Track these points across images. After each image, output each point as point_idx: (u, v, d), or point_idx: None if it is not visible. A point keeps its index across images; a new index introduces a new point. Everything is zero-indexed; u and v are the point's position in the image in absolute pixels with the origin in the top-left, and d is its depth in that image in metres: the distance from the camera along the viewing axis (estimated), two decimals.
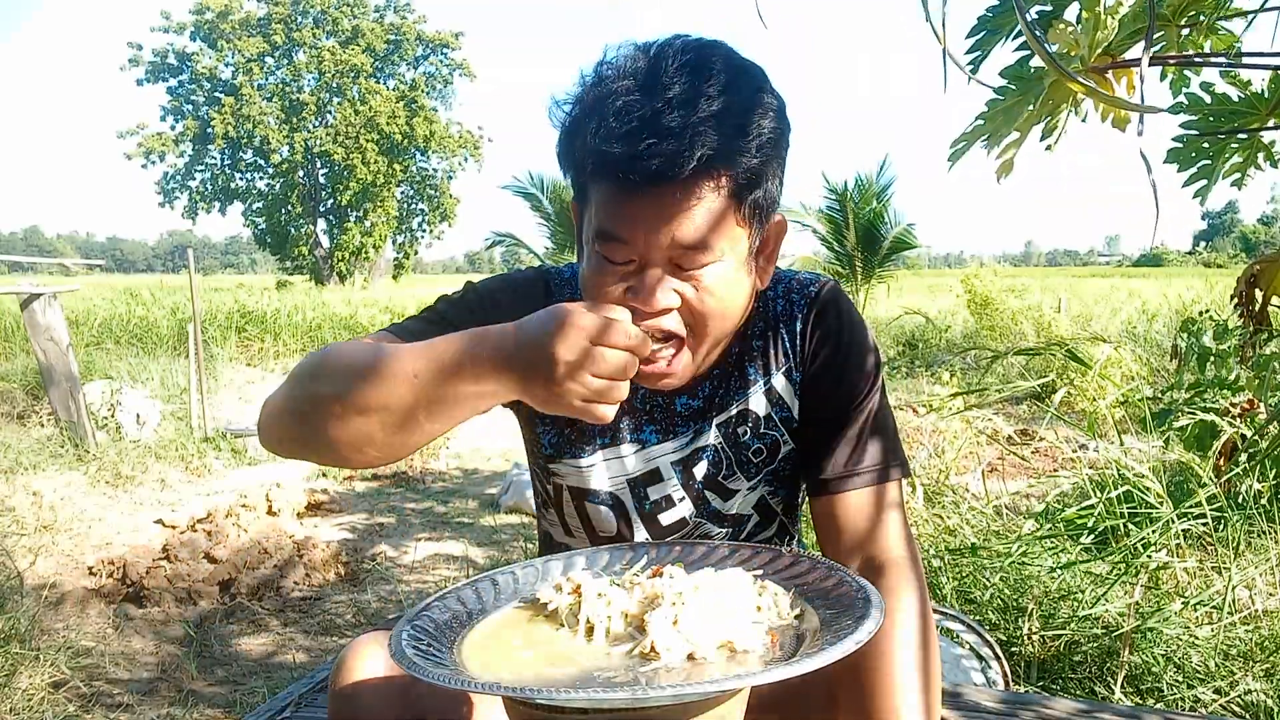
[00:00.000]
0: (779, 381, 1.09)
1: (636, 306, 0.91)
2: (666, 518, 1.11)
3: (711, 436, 1.10)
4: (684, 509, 1.11)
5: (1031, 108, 1.32)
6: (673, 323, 0.94)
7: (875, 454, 1.05)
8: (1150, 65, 1.35)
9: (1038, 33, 1.33)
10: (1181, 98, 1.50)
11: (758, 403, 1.09)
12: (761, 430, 1.10)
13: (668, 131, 0.85)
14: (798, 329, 1.08)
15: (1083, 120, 1.44)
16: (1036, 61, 1.40)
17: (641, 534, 1.12)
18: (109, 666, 3.00)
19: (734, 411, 1.10)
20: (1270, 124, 1.46)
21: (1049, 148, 1.43)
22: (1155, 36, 1.28)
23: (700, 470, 1.10)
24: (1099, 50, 1.21)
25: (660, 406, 1.10)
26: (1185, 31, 1.33)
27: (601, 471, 1.11)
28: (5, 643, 2.72)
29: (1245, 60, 1.33)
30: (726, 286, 0.95)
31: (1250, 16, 1.33)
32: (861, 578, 0.83)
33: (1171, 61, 1.37)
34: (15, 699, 2.57)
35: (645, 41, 0.94)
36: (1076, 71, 1.24)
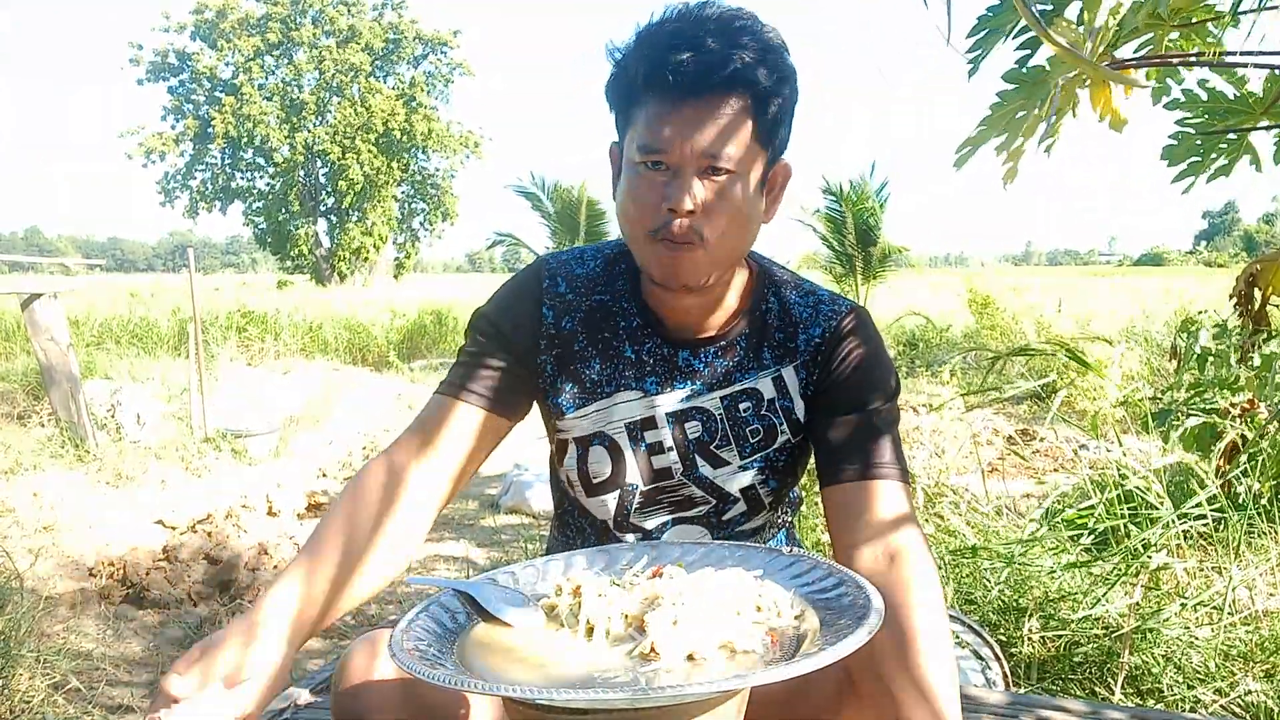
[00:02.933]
0: (789, 374, 1.17)
1: (670, 208, 1.04)
2: (657, 462, 1.19)
3: (711, 404, 1.17)
4: (672, 459, 1.18)
5: (1036, 111, 1.33)
6: (693, 226, 1.05)
7: (894, 455, 1.10)
8: (1137, 66, 1.36)
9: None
10: (1178, 94, 1.51)
11: (765, 386, 1.17)
12: (763, 412, 1.17)
13: (707, 49, 1.01)
14: (816, 334, 1.16)
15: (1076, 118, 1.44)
16: (1036, 61, 1.41)
17: (633, 475, 1.18)
18: (108, 668, 3.00)
19: (740, 388, 1.17)
20: (1263, 123, 1.46)
21: (1046, 150, 1.43)
22: (1145, 39, 1.29)
23: (692, 429, 1.18)
24: (1101, 49, 1.21)
25: (663, 360, 1.18)
26: (1174, 37, 1.34)
27: (602, 416, 1.19)
28: (4, 643, 2.72)
29: (1228, 60, 1.34)
30: (741, 201, 1.07)
31: (1231, 19, 1.33)
32: (861, 577, 0.83)
33: (1175, 61, 1.37)
34: (14, 700, 2.57)
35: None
36: (1082, 70, 1.24)
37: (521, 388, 1.18)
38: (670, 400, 1.17)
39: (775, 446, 1.17)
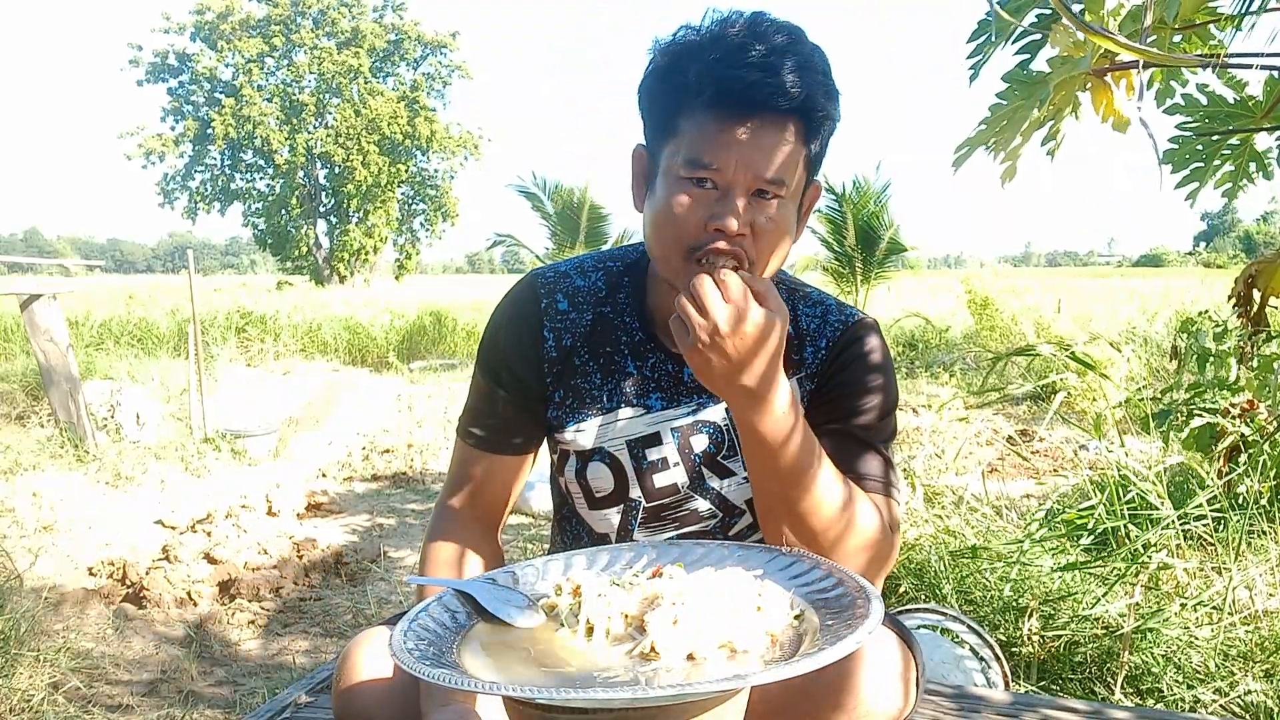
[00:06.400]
0: (793, 385, 1.14)
1: (718, 228, 1.00)
2: (660, 479, 1.18)
3: (717, 415, 1.16)
4: (677, 474, 1.17)
5: (1036, 112, 1.33)
6: (739, 247, 1.02)
7: (880, 470, 1.10)
8: (1140, 68, 1.35)
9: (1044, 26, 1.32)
10: (1178, 99, 1.51)
11: None
12: None
13: (773, 70, 0.98)
14: (822, 344, 1.15)
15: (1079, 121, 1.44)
16: (1036, 65, 1.41)
17: (635, 492, 1.18)
18: (109, 667, 3.00)
19: None
20: (1265, 126, 1.46)
21: (1050, 153, 1.43)
22: (1149, 41, 1.28)
23: (699, 443, 1.16)
24: (1099, 54, 1.21)
25: (668, 375, 1.16)
26: (1178, 38, 1.33)
27: (603, 433, 1.18)
28: (4, 643, 2.72)
29: (1231, 60, 1.34)
30: (785, 222, 1.05)
31: (1235, 21, 1.33)
32: (861, 578, 0.83)
33: (1187, 63, 1.37)
34: (15, 700, 2.57)
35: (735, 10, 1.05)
36: (1078, 73, 1.24)
37: (538, 419, 1.21)
38: (675, 415, 1.16)
39: None
